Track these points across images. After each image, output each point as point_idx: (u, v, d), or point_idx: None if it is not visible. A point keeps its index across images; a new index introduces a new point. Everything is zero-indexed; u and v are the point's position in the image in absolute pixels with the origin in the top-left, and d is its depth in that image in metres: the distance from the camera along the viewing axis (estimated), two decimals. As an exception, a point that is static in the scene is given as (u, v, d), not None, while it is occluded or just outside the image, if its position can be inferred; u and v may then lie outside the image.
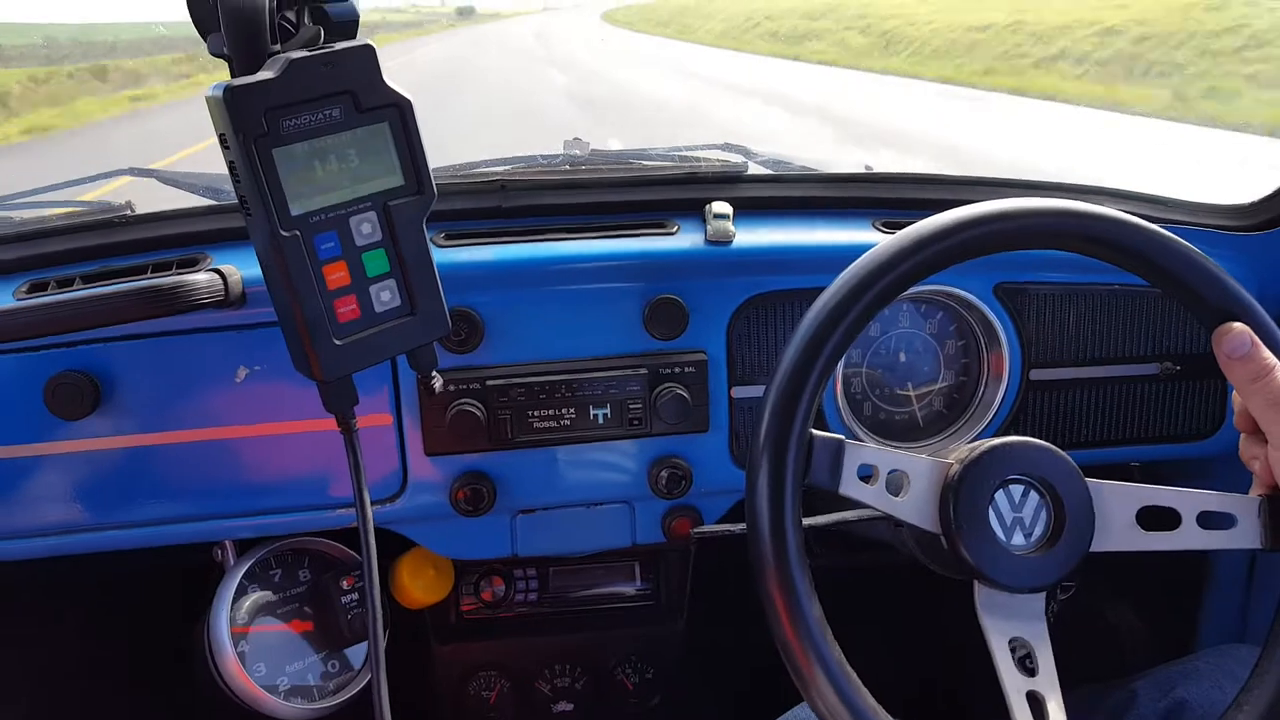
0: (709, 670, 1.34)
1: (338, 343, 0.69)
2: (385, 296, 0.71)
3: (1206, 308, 0.73)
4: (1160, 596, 1.33)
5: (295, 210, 0.65)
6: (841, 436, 0.73)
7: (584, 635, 1.25)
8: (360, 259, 0.69)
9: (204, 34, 0.68)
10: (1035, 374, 1.07)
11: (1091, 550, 0.74)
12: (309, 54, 0.64)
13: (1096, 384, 1.08)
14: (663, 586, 1.26)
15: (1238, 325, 0.71)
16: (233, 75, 0.64)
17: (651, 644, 1.26)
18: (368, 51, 0.66)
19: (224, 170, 0.67)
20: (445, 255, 0.96)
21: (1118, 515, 0.76)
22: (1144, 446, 1.11)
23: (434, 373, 0.78)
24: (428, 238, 0.72)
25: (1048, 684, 0.73)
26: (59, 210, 1.01)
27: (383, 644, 0.73)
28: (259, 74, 0.63)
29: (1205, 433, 1.12)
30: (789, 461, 0.71)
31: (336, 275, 0.68)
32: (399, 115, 0.68)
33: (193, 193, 1.05)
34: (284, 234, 0.65)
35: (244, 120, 0.62)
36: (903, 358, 1.09)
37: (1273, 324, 0.72)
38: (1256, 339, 0.70)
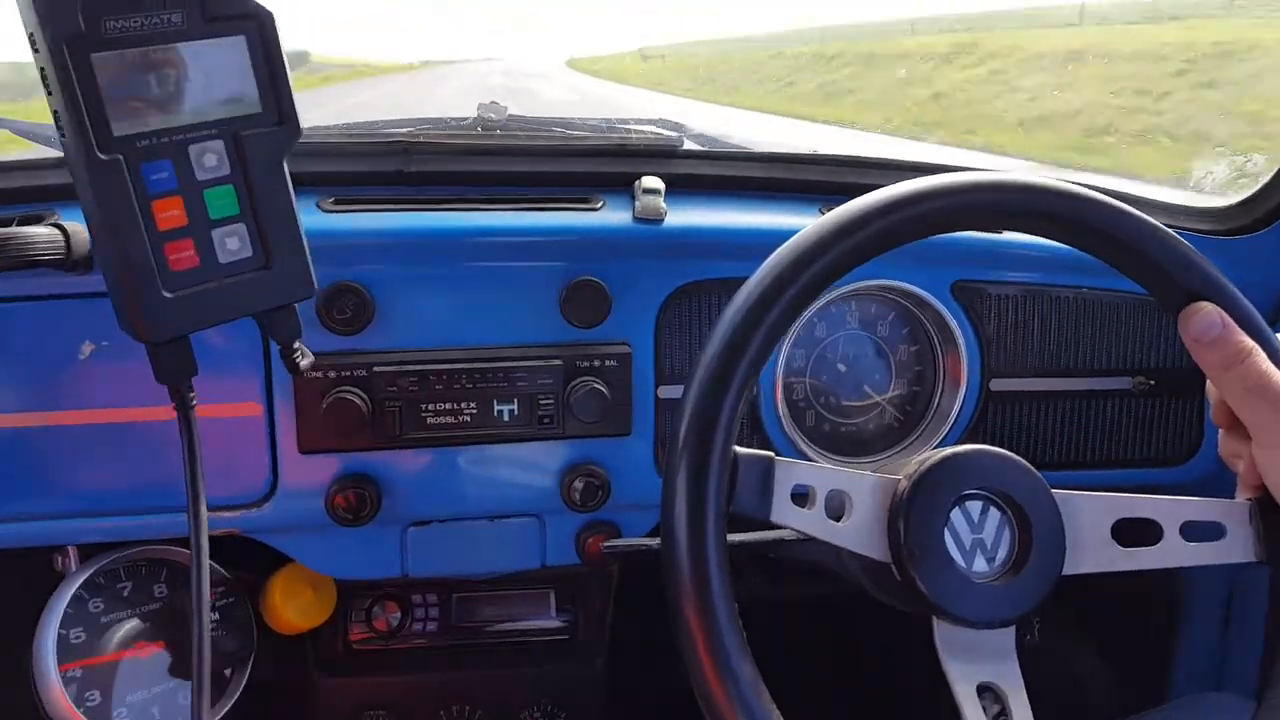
0: (630, 716, 1.20)
1: (168, 295, 0.57)
2: (232, 245, 0.59)
3: (1172, 288, 0.64)
4: (1129, 638, 1.23)
5: (118, 130, 0.54)
6: (770, 454, 0.62)
7: (489, 672, 1.11)
8: (201, 196, 0.58)
9: None
10: (996, 384, 0.96)
11: (1065, 573, 0.65)
12: None
13: (1063, 398, 0.98)
14: (581, 618, 1.13)
15: (1207, 305, 0.62)
16: None
17: (565, 684, 1.13)
18: None
19: None
20: (332, 221, 0.83)
21: (1091, 531, 0.67)
22: (1114, 470, 1.01)
23: (298, 345, 0.66)
24: (289, 180, 0.61)
25: None
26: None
27: (208, 679, 0.59)
28: None
29: (1181, 457, 1.02)
30: (709, 484, 0.59)
31: (170, 214, 0.57)
32: (258, 29, 0.58)
33: (49, 146, 0.92)
34: (101, 157, 0.54)
35: (55, 15, 0.51)
36: (850, 363, 0.98)
37: (1248, 304, 0.63)
38: (1229, 320, 0.61)
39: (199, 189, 0.58)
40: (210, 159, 0.58)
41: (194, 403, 0.61)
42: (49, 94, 0.54)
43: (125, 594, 0.90)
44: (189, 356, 0.61)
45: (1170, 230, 0.66)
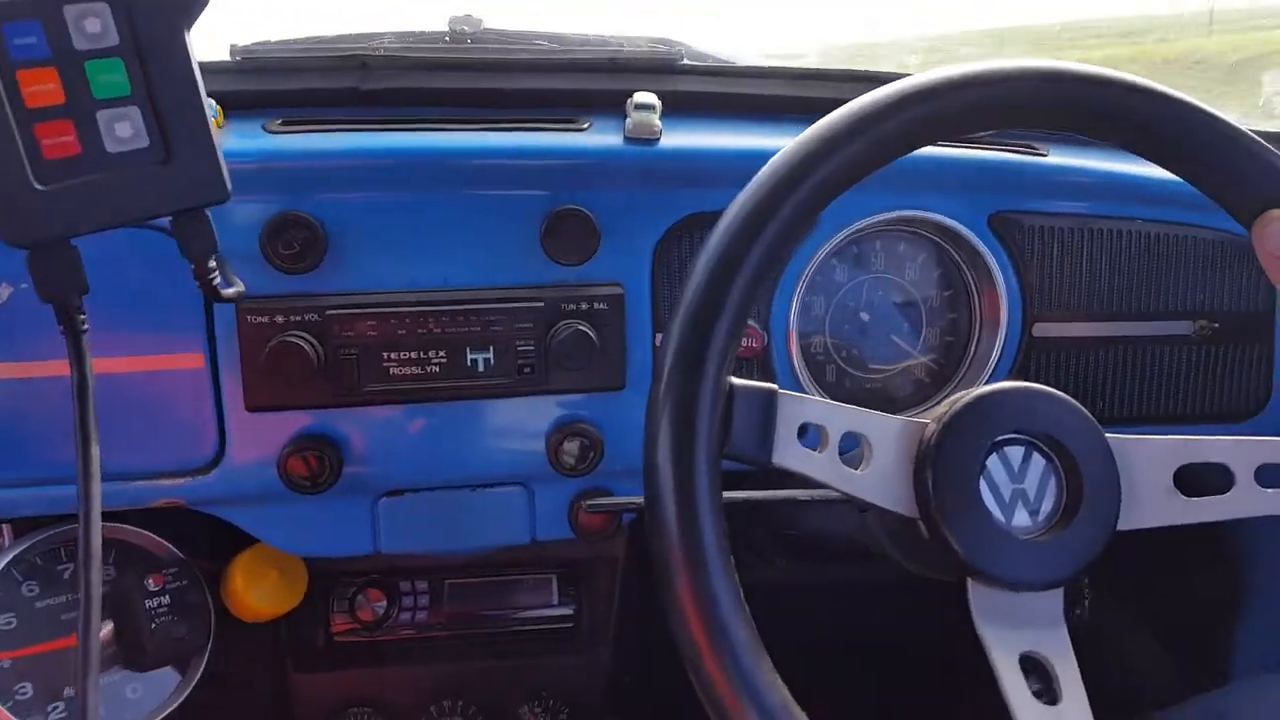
0: (635, 713, 1.10)
1: (40, 188, 0.47)
2: (122, 131, 0.49)
3: (1244, 193, 0.54)
4: (1186, 619, 1.11)
5: None
6: (773, 386, 0.52)
7: (485, 665, 1.01)
8: (82, 69, 0.48)
9: None
10: (1039, 329, 0.85)
11: (1120, 528, 0.58)
12: None
13: (1115, 344, 0.87)
14: (585, 606, 1.02)
15: None
16: None
17: (567, 677, 1.02)
18: None
19: None
20: (280, 142, 0.73)
21: (1151, 479, 0.59)
22: (1172, 426, 0.89)
23: (214, 265, 0.56)
24: (193, 57, 0.50)
25: (1076, 713, 0.53)
26: None
27: (96, 664, 0.49)
28: None
29: (1250, 410, 0.91)
30: (699, 418, 0.49)
31: (41, 88, 0.47)
32: None
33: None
34: None
35: None
36: (875, 311, 0.87)
37: None
38: None
39: (78, 60, 0.47)
40: (93, 24, 0.48)
41: (85, 326, 0.51)
42: None
43: (66, 576, 0.80)
44: (76, 268, 0.51)
45: (1245, 129, 0.55)
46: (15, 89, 0.46)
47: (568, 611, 1.02)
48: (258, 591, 0.86)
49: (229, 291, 0.58)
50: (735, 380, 0.52)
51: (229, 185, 0.53)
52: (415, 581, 1.00)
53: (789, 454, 0.53)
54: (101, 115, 0.48)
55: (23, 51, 0.46)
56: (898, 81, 0.54)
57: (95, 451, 0.51)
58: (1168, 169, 0.57)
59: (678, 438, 0.50)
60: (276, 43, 0.83)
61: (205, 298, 0.72)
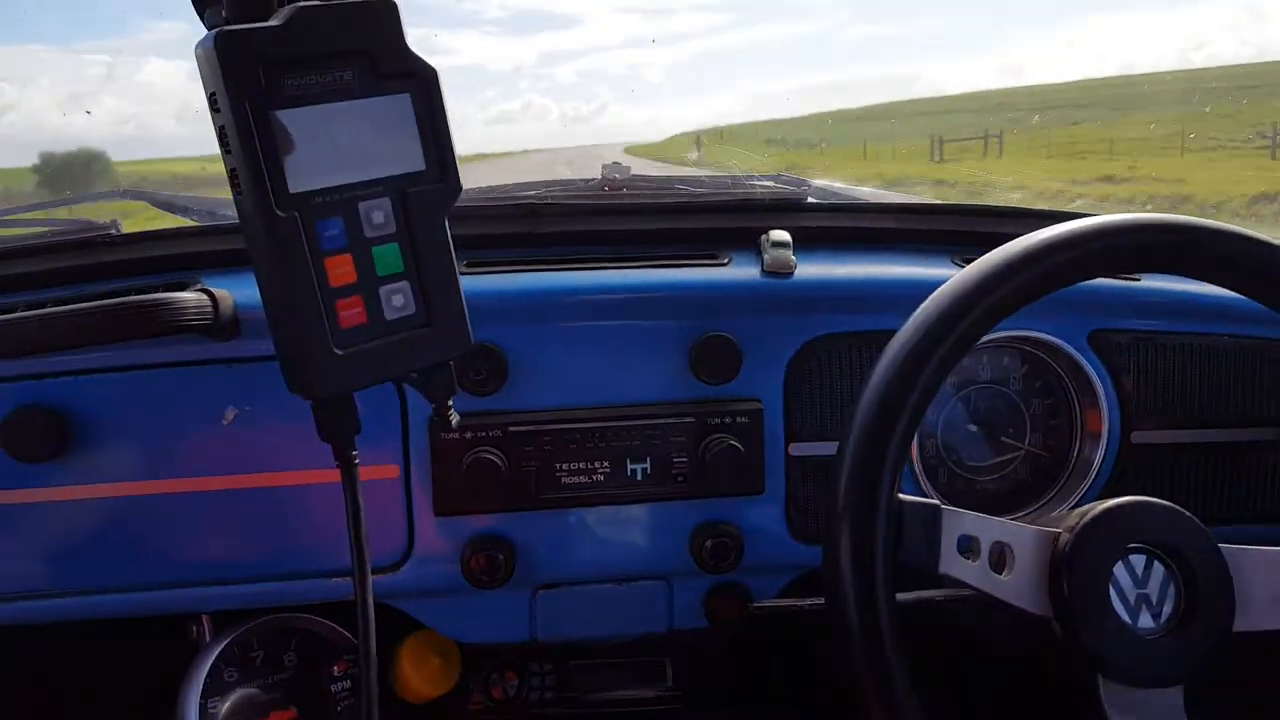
0: None
1: (339, 352, 0.57)
2: (398, 301, 0.59)
3: None
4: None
5: (295, 187, 0.54)
6: (937, 502, 0.61)
7: None
8: (370, 253, 0.58)
9: (201, 11, 0.58)
10: (1137, 436, 0.93)
11: (1235, 629, 0.63)
12: (319, 3, 0.54)
13: (1206, 450, 0.94)
14: (696, 687, 1.09)
15: None
16: None
17: None
18: (389, 7, 0.56)
19: (226, 195, 0.56)
20: (467, 283, 0.83)
21: (1261, 587, 0.64)
22: (1263, 526, 0.96)
23: (450, 405, 0.66)
24: (450, 237, 0.61)
25: None
26: (38, 229, 0.90)
27: None
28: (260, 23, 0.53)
29: (1334, 509, 0.97)
30: (878, 532, 0.58)
31: (341, 270, 0.57)
32: (424, 88, 0.58)
33: (186, 217, 0.94)
34: (279, 214, 0.54)
35: (238, 73, 0.52)
36: (983, 419, 0.95)
37: None
38: None
39: (368, 246, 0.57)
40: (378, 216, 0.58)
41: (358, 461, 0.61)
42: (226, 153, 0.54)
43: (257, 663, 0.90)
44: (354, 414, 0.61)
45: None
46: (323, 272, 0.56)
47: (679, 692, 1.09)
48: (423, 675, 0.94)
49: (455, 421, 0.67)
50: (905, 496, 0.60)
51: (472, 338, 0.63)
52: (543, 663, 1.08)
53: (952, 563, 0.61)
54: (383, 290, 0.58)
55: (330, 242, 0.56)
56: (1044, 230, 0.63)
57: (368, 567, 0.60)
58: (1267, 305, 0.66)
59: (858, 545, 0.58)
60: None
61: (402, 416, 0.83)
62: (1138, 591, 0.64)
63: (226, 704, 0.87)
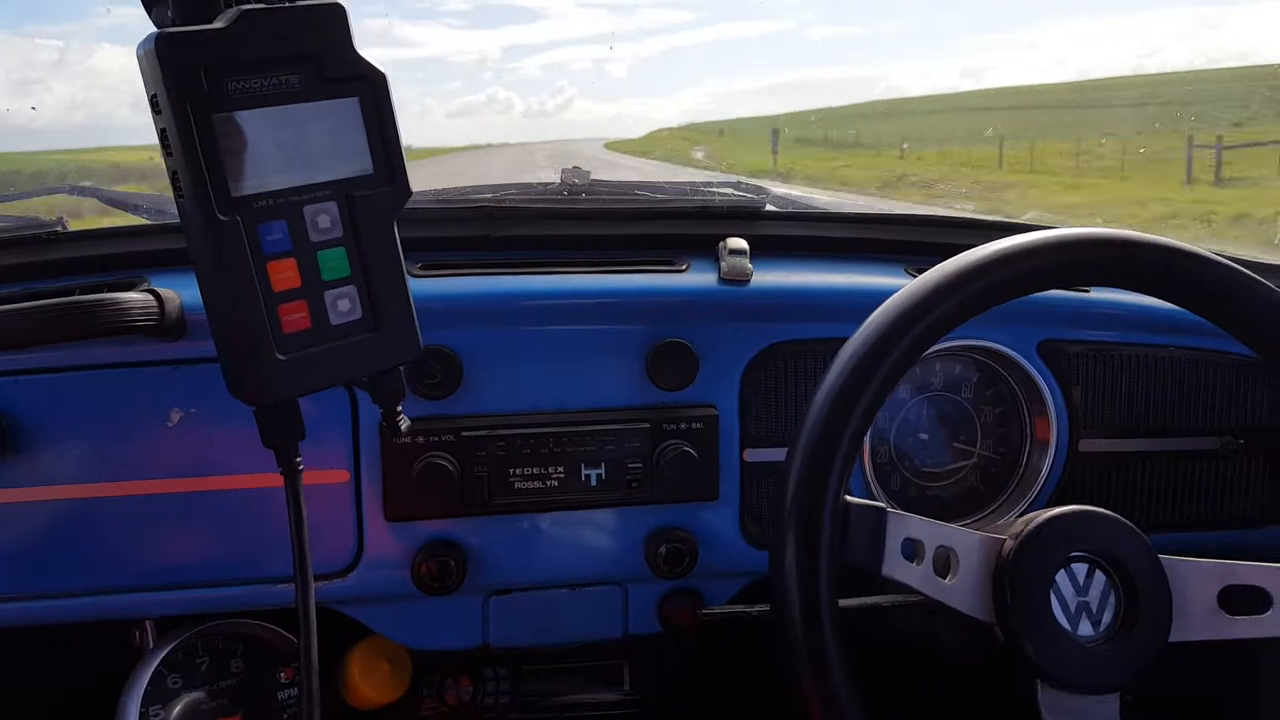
0: None
1: (281, 358, 0.56)
2: (343, 306, 0.59)
3: (1272, 342, 0.65)
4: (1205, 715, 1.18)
5: (237, 191, 0.54)
6: (883, 505, 0.62)
7: None
8: (315, 258, 0.57)
9: (149, 7, 0.57)
10: (1085, 444, 0.94)
11: (1171, 639, 0.64)
12: (265, 7, 0.54)
13: (1151, 459, 0.96)
14: (654, 691, 1.09)
15: None
16: None
17: None
18: (337, 11, 0.56)
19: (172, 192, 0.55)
20: (421, 286, 0.83)
21: (1198, 598, 0.66)
22: (1206, 532, 0.98)
23: (400, 410, 0.65)
24: (399, 241, 0.60)
25: None
26: (-21, 226, 0.88)
27: None
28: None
29: (1272, 516, 0.99)
30: (823, 533, 0.59)
31: (284, 275, 0.56)
32: (371, 91, 0.58)
33: (136, 215, 0.92)
34: (221, 218, 0.53)
35: (179, 76, 0.51)
36: (935, 425, 0.96)
37: None
38: None
39: (313, 250, 0.57)
40: (324, 220, 0.57)
41: (301, 467, 0.60)
42: (168, 155, 0.54)
43: (202, 669, 0.88)
44: (298, 420, 0.60)
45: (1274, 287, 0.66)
46: (265, 277, 0.56)
47: (636, 696, 1.09)
48: (372, 682, 0.93)
49: (404, 426, 0.67)
50: (851, 499, 0.61)
51: (421, 344, 0.62)
52: (497, 668, 1.07)
53: (895, 566, 0.62)
54: (328, 295, 0.58)
55: (272, 246, 0.56)
56: (994, 243, 0.65)
57: (310, 572, 0.59)
58: (1212, 321, 0.67)
59: (803, 547, 0.58)
60: (413, 195, 0.94)
61: (352, 421, 0.82)
62: (1078, 599, 0.65)
63: (174, 711, 0.85)
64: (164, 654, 0.85)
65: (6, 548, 0.79)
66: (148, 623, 0.88)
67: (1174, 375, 0.96)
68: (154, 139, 0.54)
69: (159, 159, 0.56)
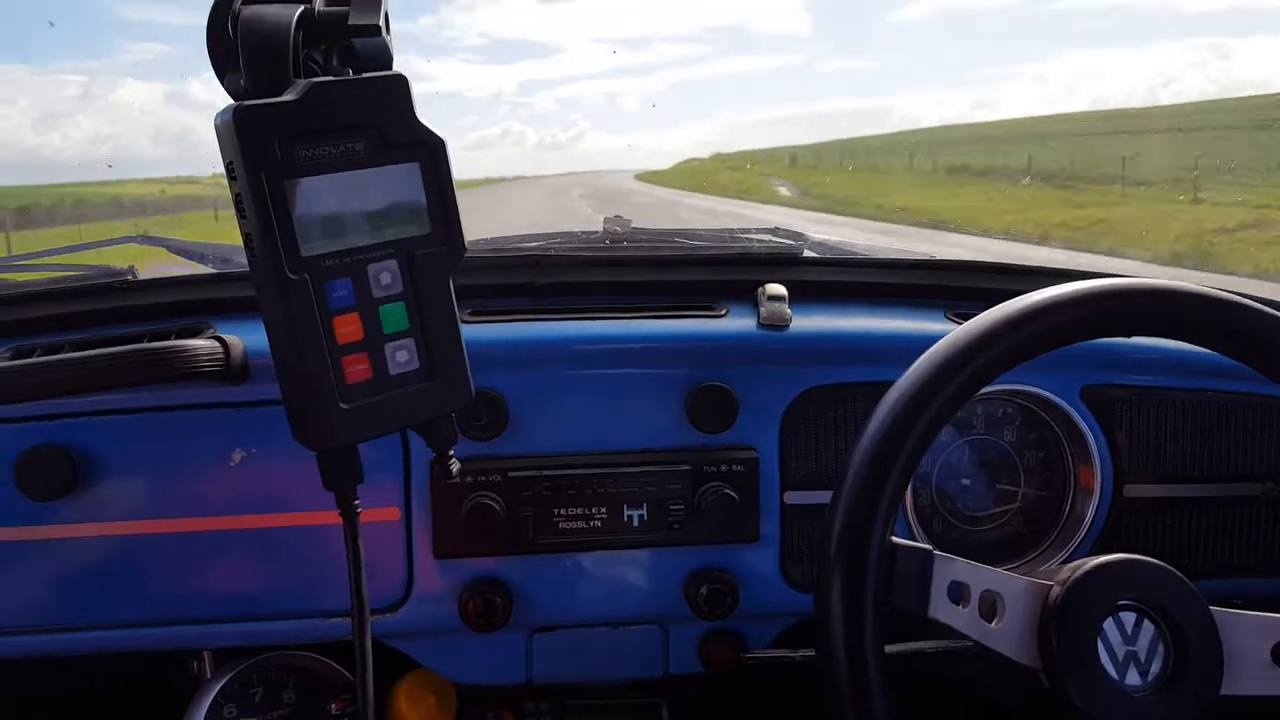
0: None
1: (344, 407, 0.59)
2: (402, 357, 0.61)
3: None
4: None
5: (306, 251, 0.57)
6: (929, 547, 0.62)
7: None
8: (377, 312, 0.60)
9: (221, 75, 0.61)
10: (1130, 490, 0.94)
11: (1222, 693, 0.64)
12: (334, 80, 0.57)
13: (1196, 504, 0.95)
14: None
15: None
16: None
17: None
18: (400, 82, 0.59)
19: (239, 242, 0.59)
20: (470, 332, 0.86)
21: (1250, 651, 0.65)
22: (1260, 579, 0.96)
23: (451, 453, 0.68)
24: (454, 296, 0.63)
25: None
26: (55, 274, 0.93)
27: None
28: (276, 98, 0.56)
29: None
30: (869, 575, 0.60)
31: (348, 329, 0.59)
32: (430, 156, 0.61)
33: (203, 264, 0.97)
34: (291, 277, 0.56)
35: (255, 145, 0.55)
36: (977, 469, 0.97)
37: None
38: None
39: (375, 305, 0.60)
40: (385, 277, 0.60)
41: (359, 509, 0.63)
42: (242, 218, 0.57)
43: (256, 699, 0.91)
44: (356, 464, 0.63)
45: None
46: (330, 331, 0.59)
47: None
48: (418, 714, 0.95)
49: (455, 469, 0.69)
50: (898, 540, 0.62)
51: (473, 391, 0.65)
52: (539, 703, 1.09)
53: (941, 608, 0.62)
54: (388, 347, 0.61)
55: (338, 302, 0.59)
56: (1042, 291, 0.65)
57: (367, 610, 0.61)
58: (1260, 372, 0.67)
59: (849, 588, 0.59)
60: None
61: (404, 461, 0.85)
62: (1126, 649, 0.65)
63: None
64: (221, 684, 0.88)
65: (73, 579, 0.83)
66: (206, 653, 0.91)
67: (1218, 419, 0.95)
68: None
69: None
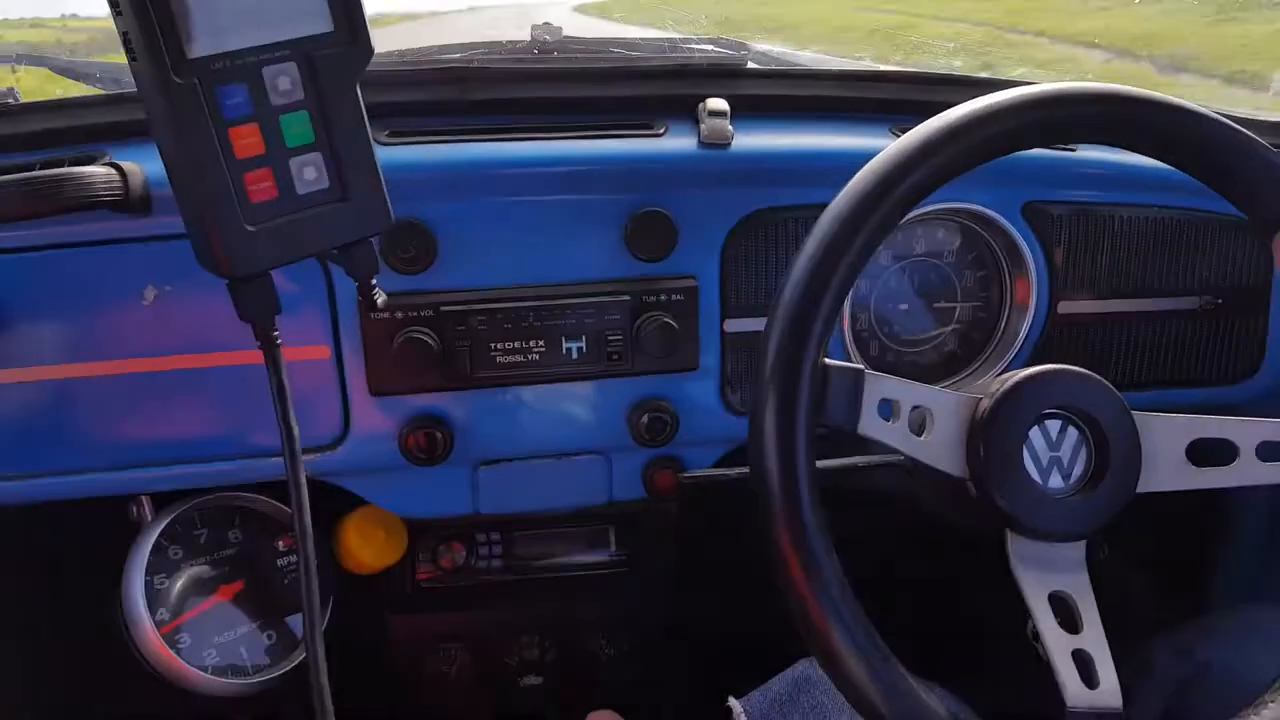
0: (690, 643, 1.22)
1: (250, 229, 0.55)
2: (309, 174, 0.57)
3: (1267, 209, 0.64)
4: (1170, 553, 1.24)
5: (193, 52, 0.51)
6: (860, 366, 0.62)
7: (553, 604, 1.12)
8: (277, 122, 0.55)
9: None
10: (1064, 306, 0.95)
11: (1139, 491, 0.67)
12: None
13: (1129, 319, 0.97)
14: (641, 552, 1.14)
15: None
16: None
17: (627, 614, 1.14)
18: None
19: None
20: (390, 154, 0.81)
21: (1166, 451, 0.68)
22: (1180, 389, 1.00)
23: (375, 284, 0.64)
24: (363, 106, 0.58)
25: (1094, 640, 0.65)
26: (-78, 101, 0.84)
27: (319, 612, 0.59)
28: None
29: (1243, 374, 1.01)
30: (801, 394, 0.60)
31: (247, 141, 0.54)
32: None
33: (93, 85, 0.89)
34: (177, 81, 0.51)
35: None
36: (915, 291, 0.96)
37: None
38: None
39: (275, 114, 0.55)
40: (284, 82, 0.55)
41: (279, 342, 0.60)
42: (118, 14, 0.51)
43: (201, 540, 0.91)
44: (271, 293, 0.59)
45: (1271, 147, 0.64)
46: (228, 143, 0.54)
47: (624, 556, 1.14)
48: (370, 548, 0.97)
49: (380, 300, 0.66)
50: (829, 361, 0.62)
51: (392, 215, 0.61)
52: (490, 533, 1.11)
53: (872, 424, 0.63)
54: (293, 162, 0.56)
55: (233, 111, 0.53)
56: (978, 100, 0.62)
57: (298, 444, 0.60)
58: (1196, 178, 0.66)
59: (782, 407, 0.59)
60: (379, 56, 0.90)
61: (329, 296, 0.81)
62: (1050, 454, 0.67)
63: (179, 580, 0.89)
64: (162, 526, 0.88)
65: None
66: (145, 499, 0.90)
67: (1158, 235, 0.95)
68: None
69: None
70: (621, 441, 0.90)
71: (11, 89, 0.83)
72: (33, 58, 0.93)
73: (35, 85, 0.89)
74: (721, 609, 1.23)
